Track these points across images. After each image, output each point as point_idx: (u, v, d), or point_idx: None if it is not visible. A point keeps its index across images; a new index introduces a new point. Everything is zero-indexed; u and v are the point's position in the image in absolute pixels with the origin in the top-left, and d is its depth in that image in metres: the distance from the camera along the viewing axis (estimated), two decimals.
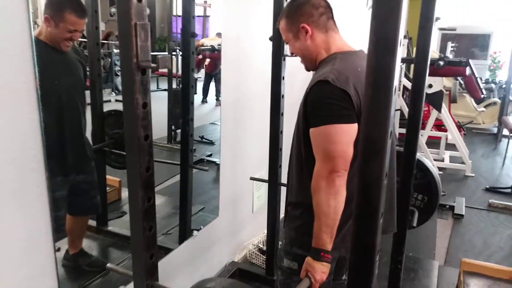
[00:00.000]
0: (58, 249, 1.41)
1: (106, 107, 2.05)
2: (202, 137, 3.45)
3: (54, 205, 1.30)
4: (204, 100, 3.93)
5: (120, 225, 2.20)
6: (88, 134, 1.91)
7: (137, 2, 0.82)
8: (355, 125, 1.24)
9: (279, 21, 1.44)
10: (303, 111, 1.32)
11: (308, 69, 1.47)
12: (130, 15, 0.83)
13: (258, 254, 2.69)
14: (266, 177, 2.27)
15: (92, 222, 2.16)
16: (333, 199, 1.23)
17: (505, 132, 5.84)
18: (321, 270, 1.27)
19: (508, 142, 5.55)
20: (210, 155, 3.19)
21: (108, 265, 1.20)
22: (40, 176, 1.23)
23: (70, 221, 1.87)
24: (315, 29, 1.36)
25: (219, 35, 2.43)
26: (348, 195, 1.25)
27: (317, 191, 1.25)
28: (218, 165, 2.46)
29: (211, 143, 3.43)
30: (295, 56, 1.50)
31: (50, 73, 1.56)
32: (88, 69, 1.87)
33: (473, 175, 4.78)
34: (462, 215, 3.68)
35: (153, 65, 0.87)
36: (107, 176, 2.21)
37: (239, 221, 2.69)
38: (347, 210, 1.27)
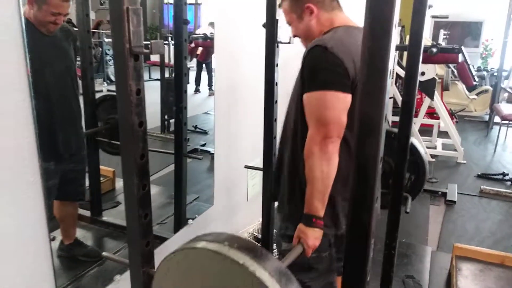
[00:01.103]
0: (53, 239, 1.41)
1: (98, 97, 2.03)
2: (195, 127, 3.44)
3: (47, 193, 1.29)
4: (197, 90, 3.91)
5: (114, 215, 2.19)
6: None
7: None
8: (349, 95, 1.23)
9: (282, 1, 1.42)
10: (301, 76, 1.31)
11: None
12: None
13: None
14: (260, 165, 2.27)
15: (86, 212, 2.16)
16: (325, 165, 1.23)
17: (497, 119, 5.89)
18: (313, 236, 1.27)
19: (500, 129, 5.60)
20: (204, 145, 3.18)
21: (104, 253, 1.20)
22: (34, 164, 1.22)
23: (59, 209, 1.86)
24: (321, 9, 1.35)
25: (211, 24, 2.40)
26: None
27: (310, 157, 1.25)
28: (212, 154, 2.46)
29: (204, 132, 3.41)
30: (289, 43, 1.49)
31: (40, 56, 1.54)
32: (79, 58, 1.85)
33: (465, 162, 4.83)
34: (455, 202, 3.73)
35: (146, 50, 0.86)
36: (101, 166, 2.20)
37: (234, 209, 2.70)
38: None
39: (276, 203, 1.64)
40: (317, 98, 1.25)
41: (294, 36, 1.45)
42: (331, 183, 1.25)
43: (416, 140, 2.06)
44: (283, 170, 1.47)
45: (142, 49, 0.86)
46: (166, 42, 3.03)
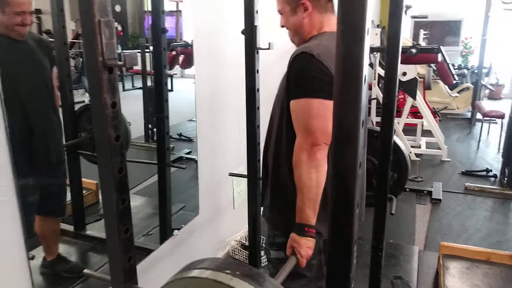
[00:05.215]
0: (32, 257, 1.37)
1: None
2: (180, 135, 3.41)
3: (25, 210, 1.26)
4: None
5: (98, 229, 2.15)
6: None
7: None
8: None
9: None
10: (286, 84, 1.30)
11: (294, 43, 1.45)
12: (93, 12, 0.79)
13: (241, 250, 2.68)
14: (245, 172, 2.25)
15: (69, 227, 2.11)
16: (314, 172, 1.22)
17: (479, 116, 5.98)
18: (306, 245, 1.26)
19: (482, 126, 5.68)
20: (189, 153, 3.15)
21: (85, 270, 1.16)
22: (8, 182, 1.18)
23: (40, 226, 1.82)
24: (315, 8, 1.34)
25: None
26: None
27: (298, 165, 1.24)
28: (197, 162, 2.44)
29: (189, 140, 3.39)
30: (268, 49, 1.47)
31: (9, 64, 1.51)
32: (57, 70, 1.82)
33: (449, 159, 4.89)
34: (440, 200, 3.76)
35: (120, 63, 0.85)
36: (84, 179, 2.16)
37: (221, 217, 2.68)
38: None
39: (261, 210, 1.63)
40: (304, 106, 1.24)
41: (282, 26, 1.44)
42: (321, 191, 1.24)
43: (398, 139, 2.08)
44: (267, 176, 1.46)
45: (116, 61, 0.84)
46: (147, 50, 3.00)
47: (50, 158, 1.81)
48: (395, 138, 2.03)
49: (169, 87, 2.22)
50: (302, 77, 1.25)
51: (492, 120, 5.61)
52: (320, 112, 1.21)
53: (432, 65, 5.43)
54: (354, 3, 0.57)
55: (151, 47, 2.44)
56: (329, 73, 1.21)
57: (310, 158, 1.22)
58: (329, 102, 1.21)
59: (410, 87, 4.45)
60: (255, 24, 1.78)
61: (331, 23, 1.38)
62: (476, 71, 7.22)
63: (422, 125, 5.26)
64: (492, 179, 4.29)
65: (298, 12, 1.36)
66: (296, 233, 1.27)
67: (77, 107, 2.00)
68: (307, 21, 1.36)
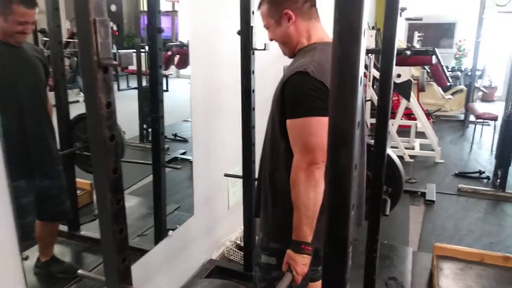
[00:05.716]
0: (26, 258, 1.36)
1: (74, 108, 1.98)
2: (175, 135, 3.40)
3: (19, 212, 1.25)
4: None
5: (93, 229, 2.14)
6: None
7: None
8: None
9: (260, 5, 1.40)
10: (280, 101, 1.29)
11: (286, 55, 1.44)
12: (88, 11, 0.79)
13: (235, 251, 2.68)
14: (240, 173, 2.26)
15: (64, 227, 2.10)
16: (312, 191, 1.22)
17: (472, 118, 6.02)
18: (302, 263, 1.26)
19: (475, 128, 5.72)
20: (184, 153, 3.14)
21: (79, 271, 1.16)
22: (1, 183, 1.17)
23: (39, 228, 1.81)
24: (298, 16, 1.34)
25: None
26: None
27: (296, 183, 1.24)
28: (192, 162, 2.43)
29: (184, 140, 3.38)
30: (264, 50, 1.47)
31: (6, 69, 1.51)
32: (51, 69, 1.81)
33: (442, 161, 4.91)
34: (434, 201, 3.78)
35: (115, 62, 0.84)
36: (78, 179, 2.14)
37: (215, 218, 2.68)
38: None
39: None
40: (301, 125, 1.24)
41: (271, 39, 1.44)
42: (318, 209, 1.24)
43: (393, 152, 2.06)
44: (263, 186, 1.46)
45: (111, 61, 0.84)
46: (143, 50, 2.99)
47: (45, 161, 1.80)
48: (389, 152, 2.02)
49: (164, 87, 2.21)
50: (298, 96, 1.24)
51: (485, 122, 5.65)
52: (318, 131, 1.21)
53: (426, 67, 5.46)
54: (351, 4, 0.57)
55: (146, 47, 2.43)
56: (325, 90, 1.21)
57: (308, 178, 1.22)
58: (326, 119, 1.21)
59: (404, 89, 4.47)
60: (251, 25, 1.79)
61: (318, 31, 1.37)
62: (469, 73, 7.26)
63: (416, 127, 5.29)
64: (485, 180, 4.32)
65: (282, 23, 1.36)
66: (293, 250, 1.27)
67: (71, 107, 1.99)
68: (292, 29, 1.35)
